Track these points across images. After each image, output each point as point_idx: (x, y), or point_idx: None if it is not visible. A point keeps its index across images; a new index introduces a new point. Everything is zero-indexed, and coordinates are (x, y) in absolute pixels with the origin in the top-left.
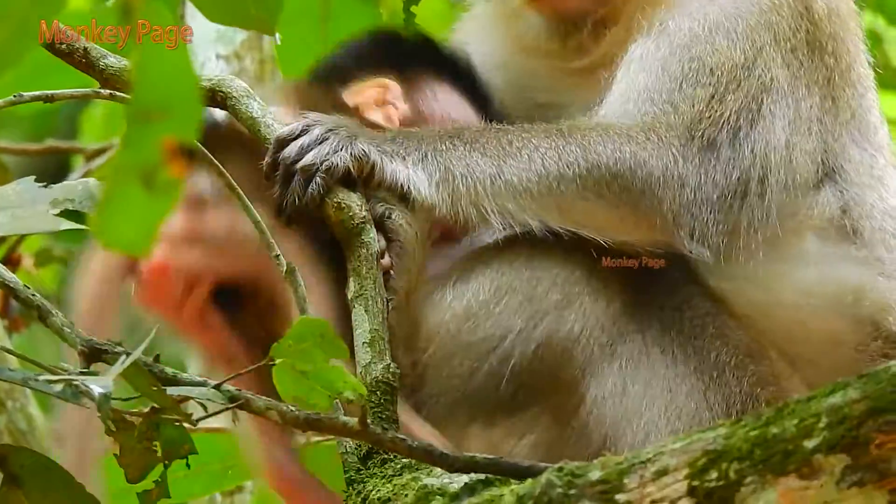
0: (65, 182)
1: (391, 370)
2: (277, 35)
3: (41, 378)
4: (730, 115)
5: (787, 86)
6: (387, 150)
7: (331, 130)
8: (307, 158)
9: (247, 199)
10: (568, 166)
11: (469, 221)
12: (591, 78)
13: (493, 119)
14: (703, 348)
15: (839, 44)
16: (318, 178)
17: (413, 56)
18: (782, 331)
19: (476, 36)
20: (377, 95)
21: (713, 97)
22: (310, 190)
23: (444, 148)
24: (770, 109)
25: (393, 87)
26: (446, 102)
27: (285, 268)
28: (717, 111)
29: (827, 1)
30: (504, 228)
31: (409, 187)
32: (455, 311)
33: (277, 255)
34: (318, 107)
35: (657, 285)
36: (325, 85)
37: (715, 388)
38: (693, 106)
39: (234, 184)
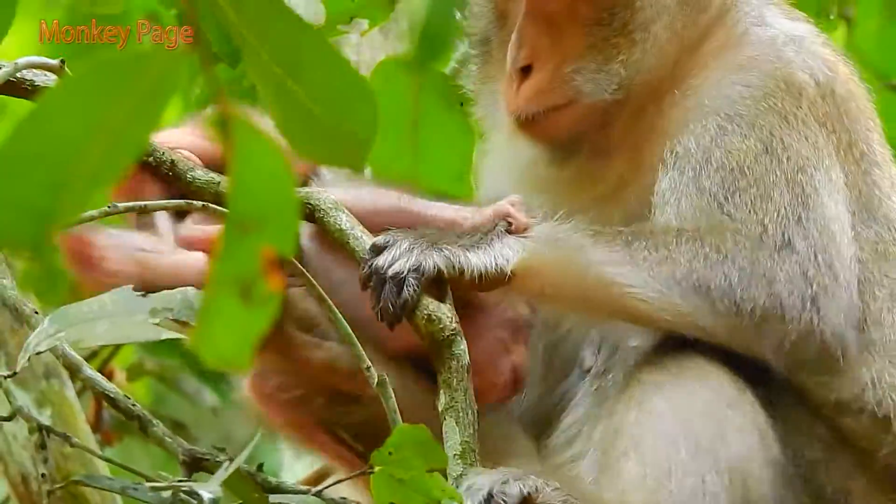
0: (163, 291)
1: None
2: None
3: (144, 485)
4: (785, 207)
5: (814, 158)
6: (472, 247)
7: (417, 240)
8: (397, 266)
9: (338, 312)
10: (636, 255)
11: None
12: (607, 208)
13: None
14: (793, 444)
15: (835, 123)
16: (409, 279)
17: None
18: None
19: (490, 168)
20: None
21: (761, 197)
22: (403, 294)
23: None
24: (812, 185)
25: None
26: None
27: (376, 379)
28: (772, 209)
29: (821, 84)
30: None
31: (498, 267)
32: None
33: (368, 367)
34: None
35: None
36: None
37: (808, 485)
38: (748, 212)
39: (325, 295)
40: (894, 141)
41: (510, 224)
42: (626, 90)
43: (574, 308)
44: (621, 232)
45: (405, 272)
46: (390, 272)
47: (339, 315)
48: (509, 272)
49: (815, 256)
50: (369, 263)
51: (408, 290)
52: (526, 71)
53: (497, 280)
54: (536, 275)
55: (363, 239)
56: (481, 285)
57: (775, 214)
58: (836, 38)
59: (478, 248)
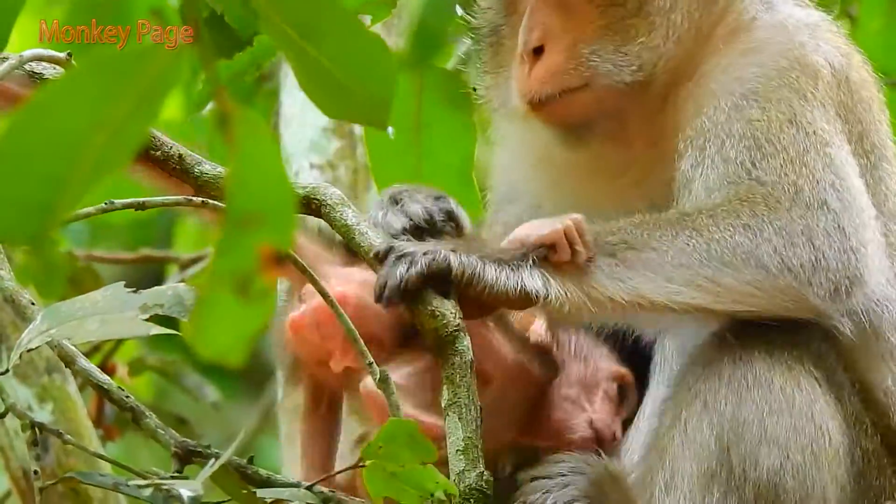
0: (154, 288)
1: (485, 478)
2: (391, 129)
3: (131, 483)
4: (819, 171)
5: (836, 138)
6: (492, 256)
7: (440, 238)
8: (412, 247)
9: (338, 305)
10: (686, 247)
11: (591, 318)
12: (631, 197)
13: None
14: (851, 434)
15: (849, 113)
16: (421, 261)
17: None
18: None
19: (502, 159)
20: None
21: (791, 161)
22: (410, 271)
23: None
24: (840, 159)
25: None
26: None
27: (378, 375)
28: (806, 172)
29: (836, 69)
30: (624, 320)
31: (523, 291)
32: None
33: (371, 363)
34: None
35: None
36: None
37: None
38: (779, 175)
39: (326, 290)
40: None
41: (550, 252)
42: (646, 74)
43: (620, 319)
44: (662, 228)
45: (418, 255)
46: (404, 251)
47: (342, 311)
48: (536, 299)
49: (850, 217)
50: (390, 243)
51: (414, 268)
52: (538, 53)
53: (516, 302)
54: (570, 311)
55: (369, 234)
56: (493, 301)
57: (810, 177)
58: None
59: (501, 265)
